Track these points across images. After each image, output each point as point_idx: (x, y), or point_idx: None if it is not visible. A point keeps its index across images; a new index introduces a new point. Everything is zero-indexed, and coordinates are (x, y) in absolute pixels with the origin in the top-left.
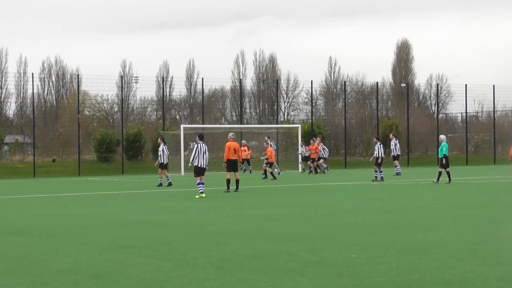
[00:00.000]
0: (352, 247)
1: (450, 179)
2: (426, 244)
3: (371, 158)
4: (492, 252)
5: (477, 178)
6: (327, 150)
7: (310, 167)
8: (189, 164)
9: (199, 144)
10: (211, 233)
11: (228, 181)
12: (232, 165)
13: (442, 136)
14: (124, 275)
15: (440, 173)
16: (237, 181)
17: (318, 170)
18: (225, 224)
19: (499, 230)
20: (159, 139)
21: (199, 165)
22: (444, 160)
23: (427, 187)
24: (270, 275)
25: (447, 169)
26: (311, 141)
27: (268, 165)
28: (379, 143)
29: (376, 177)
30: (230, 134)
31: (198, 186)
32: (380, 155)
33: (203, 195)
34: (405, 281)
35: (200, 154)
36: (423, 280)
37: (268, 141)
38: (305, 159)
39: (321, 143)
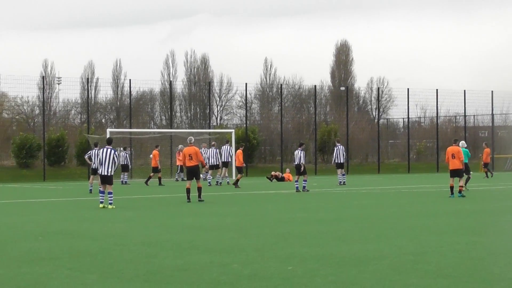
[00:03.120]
0: (288, 259)
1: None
2: (365, 256)
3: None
4: (434, 265)
5: (419, 186)
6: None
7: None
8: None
9: (103, 149)
10: (139, 244)
11: (188, 190)
12: (191, 172)
13: (462, 142)
14: None
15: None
16: (199, 189)
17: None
18: (154, 234)
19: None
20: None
21: (100, 173)
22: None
23: (367, 196)
24: None
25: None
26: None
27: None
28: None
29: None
30: (188, 139)
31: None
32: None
33: (102, 205)
34: None
35: (103, 159)
36: None
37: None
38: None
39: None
